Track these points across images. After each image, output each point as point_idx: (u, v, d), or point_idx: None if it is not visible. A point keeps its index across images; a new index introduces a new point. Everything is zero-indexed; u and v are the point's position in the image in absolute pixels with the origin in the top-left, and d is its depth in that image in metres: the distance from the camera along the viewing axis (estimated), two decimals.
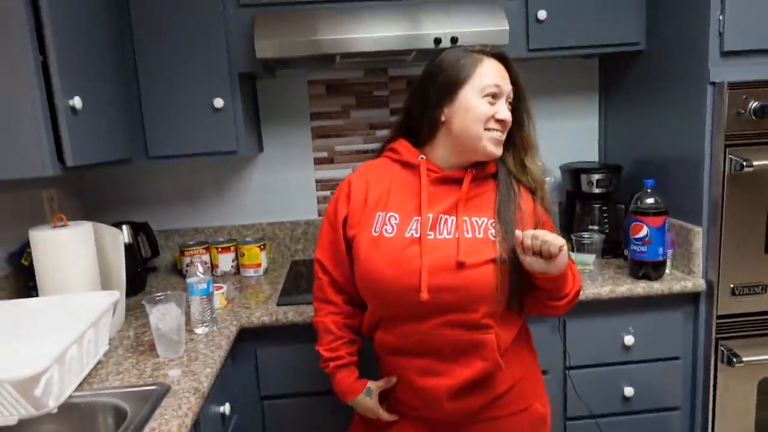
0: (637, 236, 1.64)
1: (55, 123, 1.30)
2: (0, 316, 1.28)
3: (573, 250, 1.84)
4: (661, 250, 1.62)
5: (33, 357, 1.04)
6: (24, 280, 1.60)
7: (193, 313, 1.43)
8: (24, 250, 1.58)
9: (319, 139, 2.14)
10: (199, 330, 1.44)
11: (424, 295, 1.06)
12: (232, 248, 2.00)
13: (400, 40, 1.66)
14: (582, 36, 1.81)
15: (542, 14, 1.77)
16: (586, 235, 1.72)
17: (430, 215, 1.12)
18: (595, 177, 1.91)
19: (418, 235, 1.11)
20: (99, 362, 1.29)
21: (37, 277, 1.46)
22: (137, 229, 2.02)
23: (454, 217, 1.13)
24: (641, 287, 1.61)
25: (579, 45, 1.82)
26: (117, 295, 1.35)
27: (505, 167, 1.18)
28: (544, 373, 1.61)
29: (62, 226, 1.49)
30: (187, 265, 1.98)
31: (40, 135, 1.27)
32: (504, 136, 1.15)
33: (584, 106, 2.20)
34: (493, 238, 1.10)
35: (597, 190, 1.92)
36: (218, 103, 1.73)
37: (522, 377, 1.19)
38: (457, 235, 1.10)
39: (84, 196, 2.10)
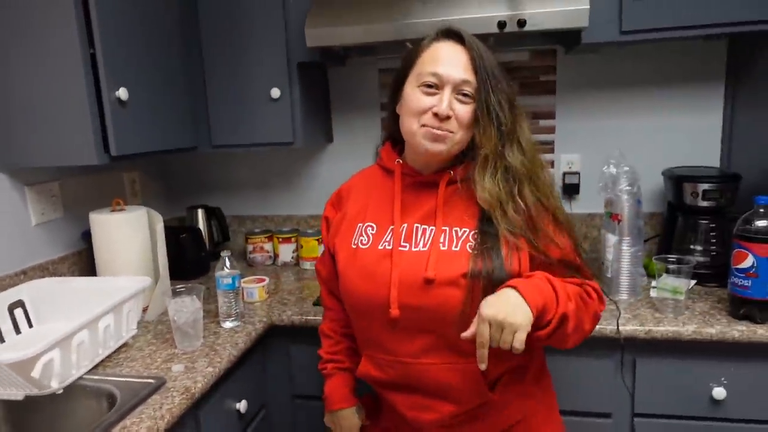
0: (739, 266, 1.30)
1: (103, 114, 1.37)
2: (45, 292, 1.39)
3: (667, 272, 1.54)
4: None
5: (41, 339, 1.10)
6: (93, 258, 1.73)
7: (220, 306, 1.44)
8: None
9: None
10: (227, 324, 1.44)
11: (395, 312, 0.96)
12: (293, 239, 1.99)
13: (460, 24, 1.47)
14: (693, 12, 1.46)
15: None
16: (672, 257, 1.41)
17: (405, 225, 1.01)
18: (702, 187, 1.56)
19: (390, 247, 1.00)
20: (125, 345, 1.34)
21: (95, 258, 1.57)
22: (211, 213, 2.10)
23: (433, 227, 0.99)
24: (738, 330, 1.28)
25: (689, 25, 1.48)
26: (147, 281, 1.39)
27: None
28: (606, 416, 1.40)
29: (120, 210, 1.58)
30: (250, 252, 2.02)
31: (86, 125, 1.34)
32: (447, 133, 0.97)
33: (705, 99, 1.81)
34: (470, 251, 0.95)
35: (704, 204, 1.57)
36: (275, 93, 1.71)
37: (527, 417, 1.04)
38: (431, 247, 0.98)
39: (168, 179, 2.23)
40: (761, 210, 1.28)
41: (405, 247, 0.99)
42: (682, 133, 1.83)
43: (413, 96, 0.98)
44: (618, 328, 1.33)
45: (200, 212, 2.09)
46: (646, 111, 1.85)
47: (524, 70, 1.89)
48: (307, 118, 1.80)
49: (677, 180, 1.62)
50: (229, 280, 1.40)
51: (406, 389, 1.02)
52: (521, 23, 1.44)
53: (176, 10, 1.66)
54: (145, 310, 1.51)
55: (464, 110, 0.96)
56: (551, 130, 1.91)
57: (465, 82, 0.96)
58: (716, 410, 1.34)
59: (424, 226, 1.00)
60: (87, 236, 1.73)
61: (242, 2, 1.69)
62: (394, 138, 1.10)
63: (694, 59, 1.79)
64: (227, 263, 1.42)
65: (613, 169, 1.54)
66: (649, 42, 1.59)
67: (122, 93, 1.38)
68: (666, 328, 1.31)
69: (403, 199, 1.04)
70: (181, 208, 2.19)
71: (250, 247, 2.01)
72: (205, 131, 1.80)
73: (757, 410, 1.32)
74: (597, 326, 1.33)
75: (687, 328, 1.31)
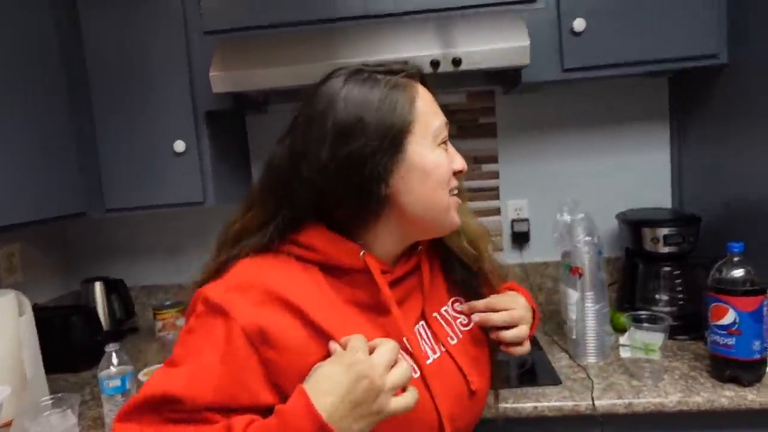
0: (719, 323, 1.15)
1: None
2: None
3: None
4: (757, 344, 1.12)
5: None
6: None
7: (106, 415, 1.13)
8: None
9: None
10: None
11: None
12: None
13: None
14: (635, 49, 1.37)
15: (579, 24, 1.35)
16: (643, 314, 1.25)
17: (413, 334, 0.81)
18: (663, 232, 1.44)
19: (417, 373, 0.78)
20: None
21: None
22: (111, 286, 1.79)
23: (422, 322, 0.84)
24: (726, 397, 1.12)
25: (631, 61, 1.38)
26: (5, 391, 1.07)
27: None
28: None
29: None
30: (159, 330, 1.71)
31: None
32: None
33: (650, 138, 1.72)
34: (464, 328, 0.87)
35: (665, 249, 1.44)
36: (179, 146, 1.46)
37: None
38: (444, 348, 0.83)
39: (62, 249, 1.91)
40: (735, 258, 1.14)
41: (429, 359, 0.81)
42: (631, 173, 1.73)
43: (438, 159, 0.77)
44: (593, 403, 1.14)
45: (98, 286, 1.77)
46: (591, 151, 1.74)
47: (462, 112, 1.74)
48: (219, 173, 1.56)
49: (635, 225, 1.48)
50: (118, 382, 1.11)
51: None
52: (456, 62, 1.29)
53: (57, 60, 1.43)
54: (9, 424, 1.18)
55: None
56: (494, 175, 1.76)
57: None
58: None
59: (417, 325, 0.83)
60: None
61: (137, 44, 1.45)
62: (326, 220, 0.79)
63: (635, 97, 1.71)
64: (114, 359, 1.12)
65: (567, 217, 1.39)
66: (591, 80, 1.48)
67: None
68: (648, 399, 1.13)
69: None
70: (78, 282, 1.86)
71: (159, 324, 1.70)
72: (97, 193, 1.52)
73: None
74: (570, 402, 1.14)
75: (671, 398, 1.13)
